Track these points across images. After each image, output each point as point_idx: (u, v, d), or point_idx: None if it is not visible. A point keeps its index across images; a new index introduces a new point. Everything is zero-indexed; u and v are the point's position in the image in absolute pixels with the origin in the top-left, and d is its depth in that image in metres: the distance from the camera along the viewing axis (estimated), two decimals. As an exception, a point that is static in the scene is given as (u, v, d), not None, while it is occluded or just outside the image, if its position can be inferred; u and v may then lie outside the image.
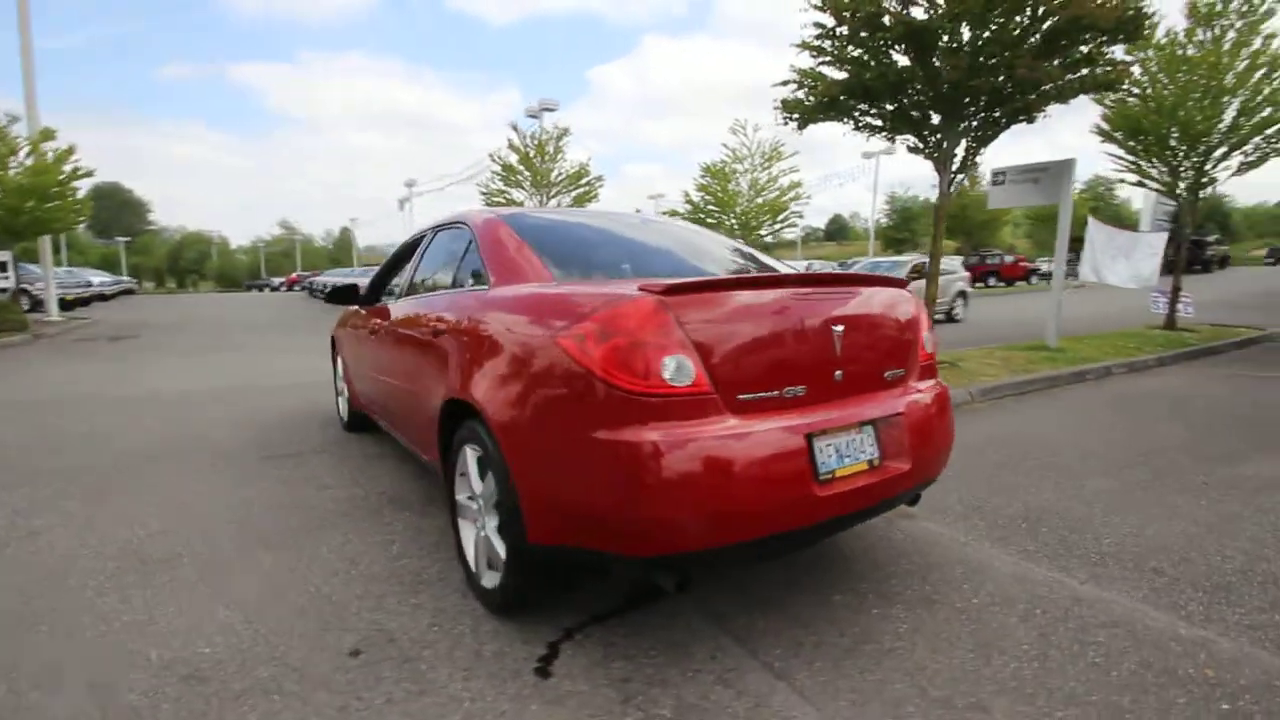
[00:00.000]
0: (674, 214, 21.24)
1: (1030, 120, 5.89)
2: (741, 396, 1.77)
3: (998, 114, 6.04)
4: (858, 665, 1.92)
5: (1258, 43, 8.66)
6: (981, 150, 6.31)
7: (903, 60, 6.18)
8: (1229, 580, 2.42)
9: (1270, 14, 8.45)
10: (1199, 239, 27.41)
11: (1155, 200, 13.02)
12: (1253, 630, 2.10)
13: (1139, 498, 3.29)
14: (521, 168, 15.99)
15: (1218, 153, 9.19)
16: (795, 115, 7.11)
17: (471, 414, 2.22)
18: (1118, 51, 6.13)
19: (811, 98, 6.63)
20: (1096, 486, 3.46)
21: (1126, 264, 9.49)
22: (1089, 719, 1.69)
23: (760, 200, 18.25)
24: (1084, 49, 5.46)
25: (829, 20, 6.24)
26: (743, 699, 1.77)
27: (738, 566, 2.44)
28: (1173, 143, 9.21)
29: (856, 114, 6.65)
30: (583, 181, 16.27)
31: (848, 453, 1.94)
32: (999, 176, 8.28)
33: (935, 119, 6.42)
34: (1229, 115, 8.94)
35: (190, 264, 78.98)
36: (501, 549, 2.08)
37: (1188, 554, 2.64)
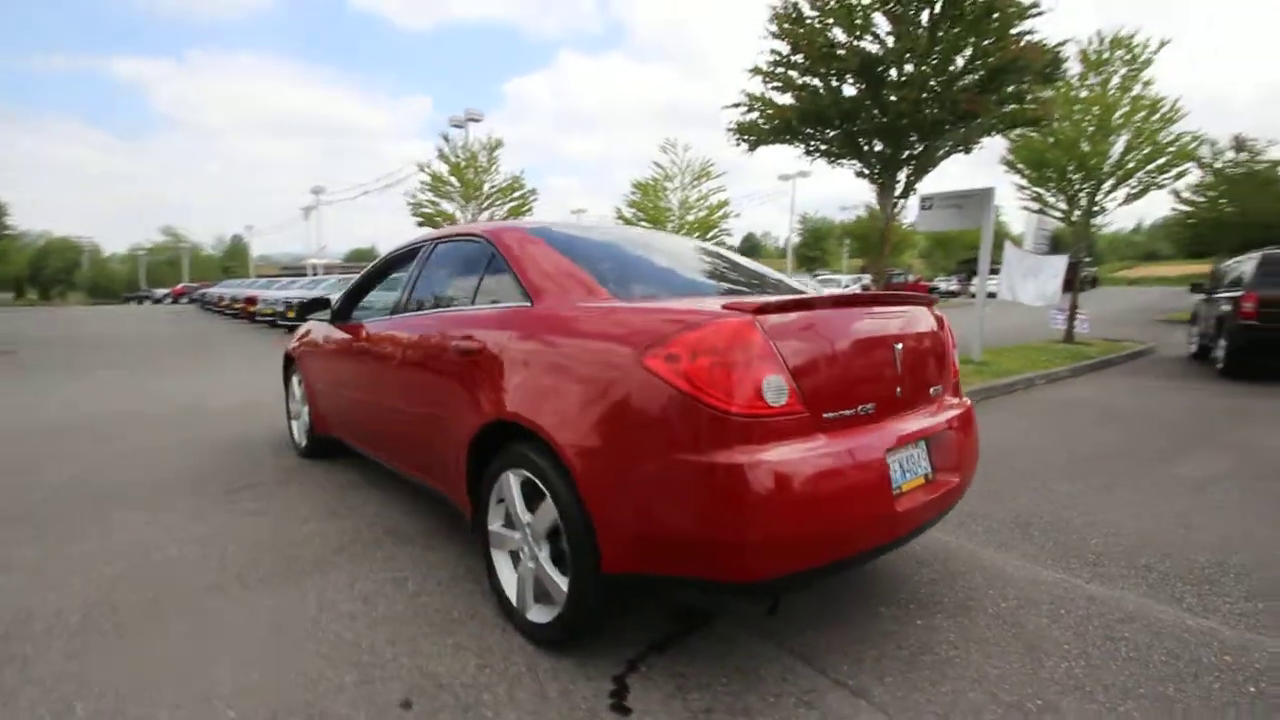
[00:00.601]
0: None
1: (967, 151, 6.36)
2: (827, 415, 1.78)
3: (937, 144, 6.46)
4: (926, 677, 1.96)
5: (1138, 88, 9.78)
6: (921, 177, 6.73)
7: (851, 90, 6.52)
8: (1209, 573, 2.66)
9: (1149, 63, 9.58)
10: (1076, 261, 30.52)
11: (1037, 224, 14.39)
12: (1245, 618, 2.31)
13: (1104, 499, 3.58)
14: (452, 178, 15.54)
15: (1107, 184, 10.27)
16: (749, 137, 7.33)
17: (519, 438, 2.11)
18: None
19: (765, 121, 6.84)
20: (1065, 490, 3.73)
21: (1035, 283, 10.36)
22: (1146, 710, 1.80)
23: (691, 217, 18.63)
24: (1013, 88, 5.97)
25: (785, 48, 6.48)
26: (830, 720, 1.76)
27: (811, 585, 2.41)
28: (1071, 175, 10.20)
29: (808, 139, 6.92)
30: (516, 194, 16.02)
31: (909, 468, 1.99)
32: (927, 202, 8.84)
33: (879, 147, 6.79)
34: (1116, 151, 10.02)
35: (56, 273, 71.19)
36: (562, 580, 1.98)
37: (1166, 550, 2.89)
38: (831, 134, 6.77)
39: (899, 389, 2.04)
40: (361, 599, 2.42)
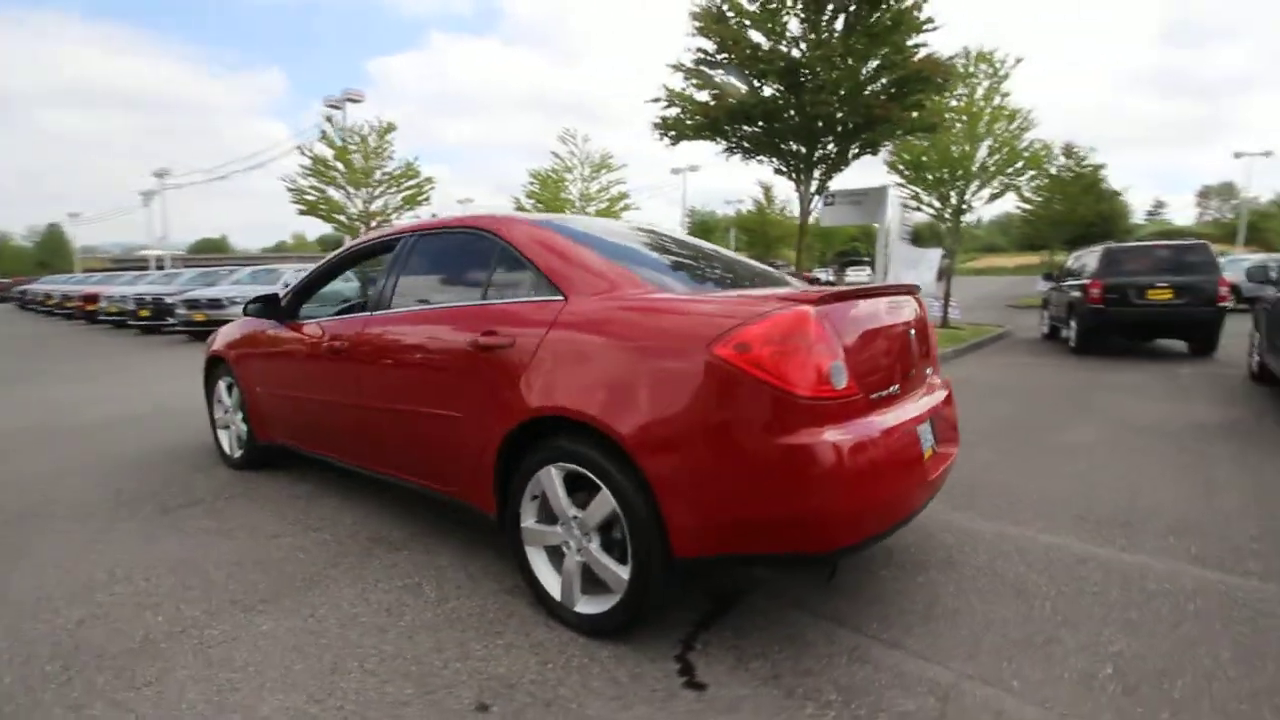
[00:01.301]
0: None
1: (874, 152, 6.92)
2: (872, 396, 1.95)
3: (847, 145, 6.97)
4: (944, 625, 2.20)
5: (998, 99, 11.03)
6: (833, 175, 7.23)
7: (769, 91, 6.87)
8: (1127, 518, 3.15)
9: (1007, 76, 10.84)
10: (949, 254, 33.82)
11: (901, 217, 15.90)
12: (1165, 552, 2.78)
13: (1023, 464, 4.09)
14: (338, 163, 14.42)
15: (973, 185, 11.51)
16: (673, 132, 7.51)
17: (559, 432, 2.11)
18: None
19: (693, 117, 7.05)
20: (986, 458, 4.23)
21: (914, 274, 11.41)
22: (1125, 633, 2.14)
23: (592, 209, 18.64)
24: (916, 97, 6.58)
25: (709, 45, 6.71)
26: (882, 671, 1.94)
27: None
28: (944, 176, 11.33)
29: (729, 135, 7.21)
30: (410, 183, 15.16)
31: (923, 440, 2.21)
32: (830, 198, 9.48)
33: (796, 147, 7.22)
34: (981, 155, 11.24)
35: None
36: (621, 569, 2.01)
37: (1088, 502, 3.37)
38: (749, 131, 7.11)
39: (912, 370, 2.26)
40: (384, 610, 2.30)
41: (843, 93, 6.19)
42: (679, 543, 1.88)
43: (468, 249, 2.70)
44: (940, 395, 2.49)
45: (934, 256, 11.92)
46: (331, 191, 14.52)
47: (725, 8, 6.71)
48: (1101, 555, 2.73)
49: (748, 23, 6.82)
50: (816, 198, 7.43)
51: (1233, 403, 5.76)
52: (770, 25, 6.35)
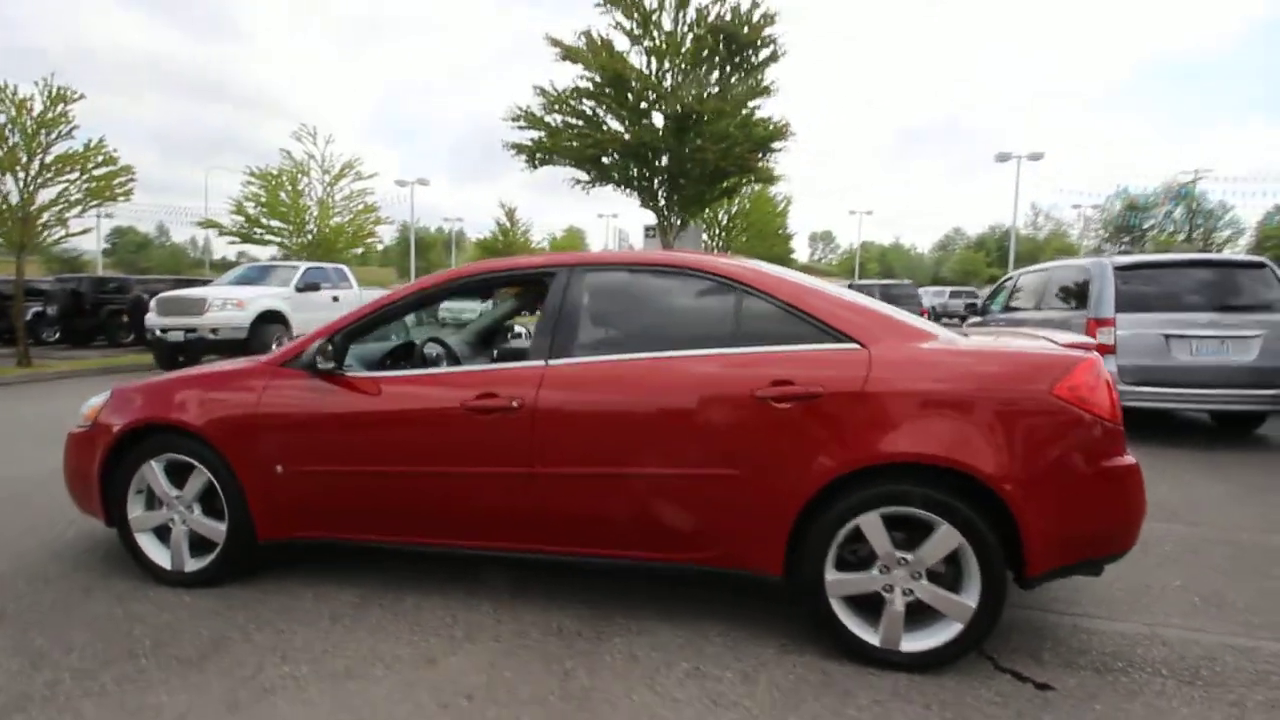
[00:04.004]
0: (213, 225, 17.08)
1: (731, 197, 7.80)
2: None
3: (707, 189, 7.77)
4: (1093, 593, 2.83)
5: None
6: (696, 213, 7.94)
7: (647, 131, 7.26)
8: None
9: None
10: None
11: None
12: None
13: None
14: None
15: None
16: (538, 155, 7.38)
17: (881, 477, 2.20)
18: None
19: (568, 144, 7.05)
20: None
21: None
22: (1176, 571, 3.05)
23: (336, 220, 16.42)
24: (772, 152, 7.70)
25: (576, 73, 6.85)
26: (1112, 637, 2.47)
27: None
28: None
29: (602, 168, 7.41)
30: (98, 171, 11.16)
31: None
32: (650, 231, 10.23)
33: (658, 185, 7.75)
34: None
35: None
36: (966, 599, 2.18)
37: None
38: (620, 165, 7.38)
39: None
40: (713, 703, 2.06)
41: (726, 142, 6.93)
42: (1034, 563, 2.16)
43: (678, 292, 2.53)
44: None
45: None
46: (-39, 172, 9.97)
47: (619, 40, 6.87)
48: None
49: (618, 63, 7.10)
50: (680, 231, 8.07)
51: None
52: (649, 65, 6.77)
